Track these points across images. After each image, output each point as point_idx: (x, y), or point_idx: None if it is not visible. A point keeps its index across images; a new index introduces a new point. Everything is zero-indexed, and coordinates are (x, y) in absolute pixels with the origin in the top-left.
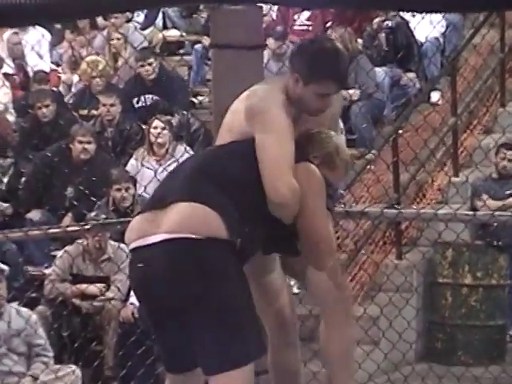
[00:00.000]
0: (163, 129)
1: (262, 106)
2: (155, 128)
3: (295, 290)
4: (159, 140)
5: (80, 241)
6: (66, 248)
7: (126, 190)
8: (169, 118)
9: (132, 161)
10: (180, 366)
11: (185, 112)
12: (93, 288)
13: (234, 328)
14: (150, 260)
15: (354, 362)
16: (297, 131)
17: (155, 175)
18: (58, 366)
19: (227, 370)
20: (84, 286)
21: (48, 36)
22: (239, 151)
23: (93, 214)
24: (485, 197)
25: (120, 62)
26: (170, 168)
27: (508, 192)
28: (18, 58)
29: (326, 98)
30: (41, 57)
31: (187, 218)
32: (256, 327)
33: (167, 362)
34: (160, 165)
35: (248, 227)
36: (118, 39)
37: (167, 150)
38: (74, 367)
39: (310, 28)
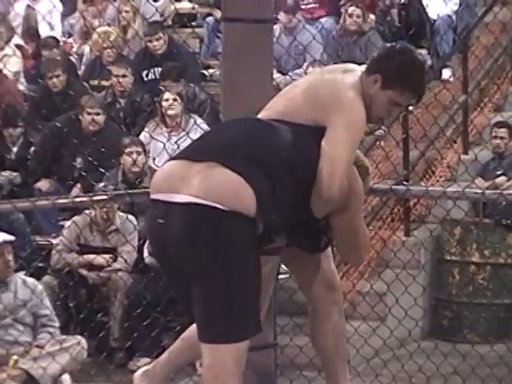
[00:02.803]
0: (174, 100)
1: (351, 102)
2: (167, 100)
3: None
4: (171, 112)
5: (88, 211)
6: (74, 218)
7: (138, 154)
8: (180, 89)
9: (144, 133)
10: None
11: (192, 84)
12: (100, 259)
13: (232, 304)
14: (171, 219)
15: (347, 352)
16: None
17: (164, 147)
18: (63, 337)
19: (218, 343)
20: (91, 256)
21: (60, 6)
22: (302, 138)
23: (101, 184)
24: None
25: (130, 34)
26: (182, 141)
27: (499, 172)
28: (31, 28)
29: (396, 108)
30: (52, 27)
31: (218, 186)
32: (254, 309)
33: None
34: (171, 137)
35: (279, 216)
36: (127, 12)
37: (179, 122)
38: (79, 338)
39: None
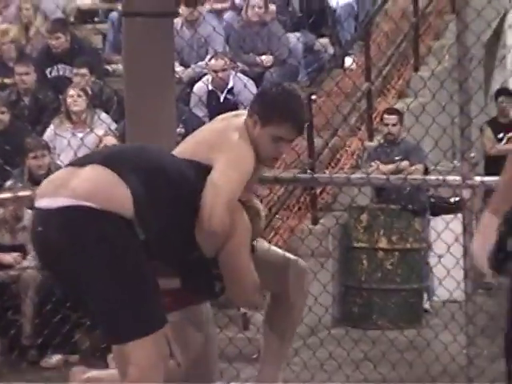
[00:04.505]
0: (79, 96)
1: (235, 142)
2: (71, 96)
3: None
4: (75, 108)
5: None
6: None
7: (42, 157)
8: (83, 85)
9: (49, 129)
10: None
11: (97, 80)
12: (8, 257)
13: (129, 299)
14: (49, 225)
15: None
16: (252, 178)
17: (69, 144)
18: None
19: (135, 338)
20: None
21: None
22: (190, 169)
23: (9, 183)
24: (377, 162)
25: (31, 31)
26: (87, 137)
27: (398, 157)
28: None
29: (282, 144)
30: None
31: (92, 185)
32: (152, 301)
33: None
34: (76, 133)
35: (160, 228)
36: (27, 9)
37: (84, 118)
38: None
39: None
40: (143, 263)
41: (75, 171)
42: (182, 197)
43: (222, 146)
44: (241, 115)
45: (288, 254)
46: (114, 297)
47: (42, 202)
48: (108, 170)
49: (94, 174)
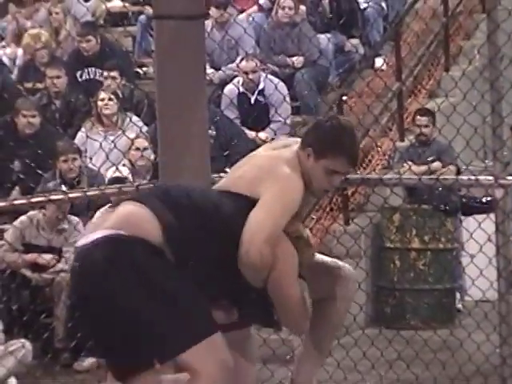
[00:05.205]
0: (110, 99)
1: (285, 175)
2: (102, 100)
3: None
4: (106, 111)
5: (32, 213)
6: (20, 218)
7: (73, 161)
8: (115, 88)
9: (80, 133)
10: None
11: (127, 83)
12: (42, 258)
13: (172, 311)
14: (84, 258)
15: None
16: (300, 209)
17: (100, 146)
18: (9, 342)
19: (185, 350)
20: (34, 255)
21: None
22: (229, 204)
23: (50, 184)
24: (409, 163)
25: (62, 35)
26: (119, 139)
27: (430, 158)
28: None
29: (335, 177)
30: None
31: (122, 216)
32: (196, 311)
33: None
34: (107, 136)
35: (191, 252)
36: (57, 13)
37: (115, 121)
38: (23, 341)
39: None
40: (177, 278)
41: (111, 211)
42: (214, 230)
43: (270, 179)
44: (291, 145)
45: (335, 260)
46: (156, 312)
47: (81, 241)
48: (137, 203)
49: (124, 209)
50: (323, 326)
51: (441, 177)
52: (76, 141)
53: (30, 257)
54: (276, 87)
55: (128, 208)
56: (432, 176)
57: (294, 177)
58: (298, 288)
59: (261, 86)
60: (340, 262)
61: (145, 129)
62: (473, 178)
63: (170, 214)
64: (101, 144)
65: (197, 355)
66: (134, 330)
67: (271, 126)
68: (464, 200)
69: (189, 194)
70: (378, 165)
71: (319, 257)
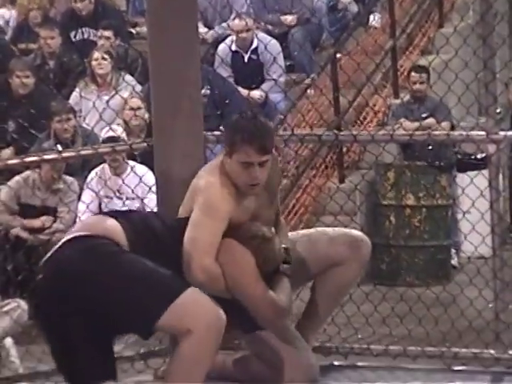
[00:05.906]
0: (103, 59)
1: (206, 185)
2: (96, 59)
3: None
4: (100, 71)
5: (28, 172)
6: (15, 178)
7: (67, 121)
8: (108, 48)
9: (74, 93)
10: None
11: (122, 43)
12: (37, 222)
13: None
14: (53, 256)
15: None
16: (241, 210)
17: (94, 106)
18: (4, 301)
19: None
20: (28, 221)
21: None
22: (179, 227)
23: (45, 144)
24: (402, 119)
25: None
26: (112, 99)
27: (424, 115)
28: None
29: (251, 169)
30: None
31: (91, 222)
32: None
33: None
34: (101, 96)
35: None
36: None
37: (109, 81)
38: (19, 300)
39: None
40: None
41: None
42: (165, 252)
43: (196, 194)
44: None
45: (342, 229)
46: (131, 289)
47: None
48: (106, 216)
49: (92, 218)
50: (336, 285)
51: (432, 132)
52: (70, 101)
53: (27, 222)
54: (269, 45)
55: (96, 217)
56: (423, 132)
57: (214, 183)
58: (260, 285)
59: (254, 45)
60: (354, 231)
61: (138, 88)
62: (464, 133)
63: (132, 231)
64: (94, 104)
65: (179, 313)
66: (117, 307)
67: (264, 84)
68: (459, 157)
69: (148, 221)
70: (372, 123)
71: (319, 229)
